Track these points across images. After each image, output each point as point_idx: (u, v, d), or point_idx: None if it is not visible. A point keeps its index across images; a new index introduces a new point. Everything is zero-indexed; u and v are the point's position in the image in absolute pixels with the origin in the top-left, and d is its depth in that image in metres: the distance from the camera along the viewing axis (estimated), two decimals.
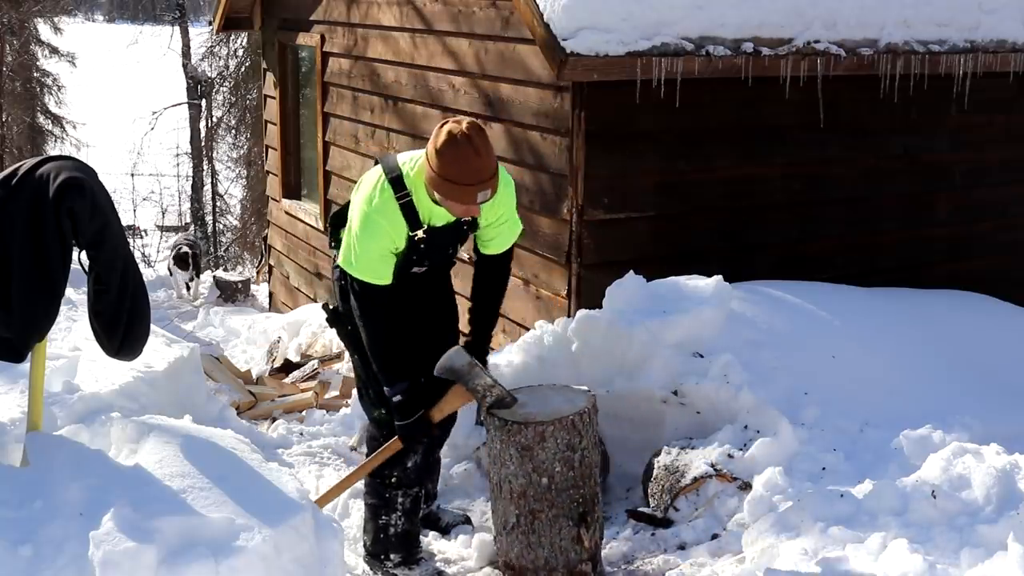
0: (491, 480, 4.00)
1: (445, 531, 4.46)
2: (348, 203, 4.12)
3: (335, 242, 4.12)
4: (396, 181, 3.84)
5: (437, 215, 3.88)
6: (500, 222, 4.04)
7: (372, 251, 3.81)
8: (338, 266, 4.06)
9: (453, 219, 3.90)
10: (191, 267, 13.03)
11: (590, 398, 3.99)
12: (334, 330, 4.19)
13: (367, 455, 4.25)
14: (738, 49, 5.58)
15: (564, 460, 3.81)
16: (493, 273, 4.16)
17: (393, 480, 4.12)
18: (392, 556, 4.14)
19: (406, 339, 3.97)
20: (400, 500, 4.14)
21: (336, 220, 4.14)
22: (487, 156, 3.70)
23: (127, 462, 3.25)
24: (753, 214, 6.24)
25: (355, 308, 3.86)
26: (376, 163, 4.01)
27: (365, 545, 4.21)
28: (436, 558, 4.29)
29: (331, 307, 4.12)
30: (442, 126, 3.72)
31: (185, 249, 13.14)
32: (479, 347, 4.10)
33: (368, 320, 3.85)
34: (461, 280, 6.88)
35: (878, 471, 4.21)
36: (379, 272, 3.82)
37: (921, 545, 3.56)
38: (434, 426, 3.94)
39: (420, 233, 3.85)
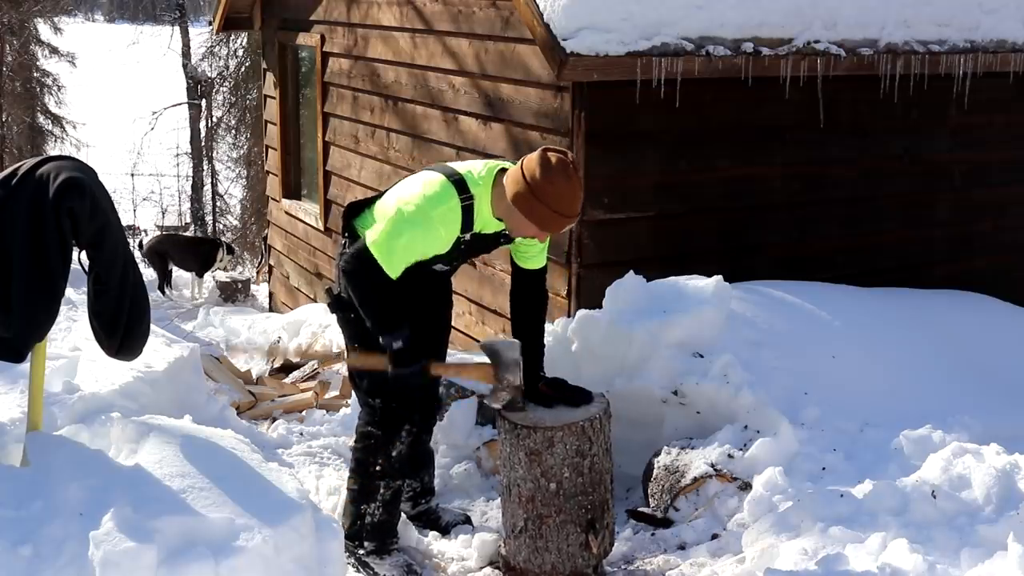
0: (501, 482, 4.00)
1: (445, 531, 4.46)
2: (368, 199, 4.14)
3: (347, 232, 4.11)
4: (460, 184, 3.83)
5: (490, 225, 3.90)
6: (533, 247, 4.05)
7: (408, 246, 3.79)
8: (344, 252, 4.05)
9: (497, 227, 3.92)
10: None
11: (602, 404, 3.97)
12: (334, 316, 4.18)
13: (355, 447, 4.19)
14: (738, 49, 5.58)
15: (573, 466, 3.80)
16: (532, 290, 4.13)
17: (377, 469, 4.10)
18: (366, 544, 4.14)
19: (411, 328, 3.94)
20: (382, 491, 4.13)
21: (351, 211, 4.14)
22: (582, 190, 3.77)
23: (127, 462, 3.25)
24: (753, 214, 6.24)
25: (350, 270, 3.83)
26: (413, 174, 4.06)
27: (343, 527, 4.19)
28: (435, 558, 4.29)
29: (335, 292, 4.11)
30: (547, 151, 3.72)
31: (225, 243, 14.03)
32: (533, 380, 4.03)
33: (361, 284, 3.83)
34: (460, 279, 6.87)
35: (878, 471, 4.21)
36: (396, 265, 3.80)
37: (921, 545, 3.56)
38: (428, 375, 3.88)
39: (468, 236, 3.88)
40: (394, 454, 4.10)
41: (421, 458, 4.48)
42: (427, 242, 3.81)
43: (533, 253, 4.06)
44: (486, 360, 3.92)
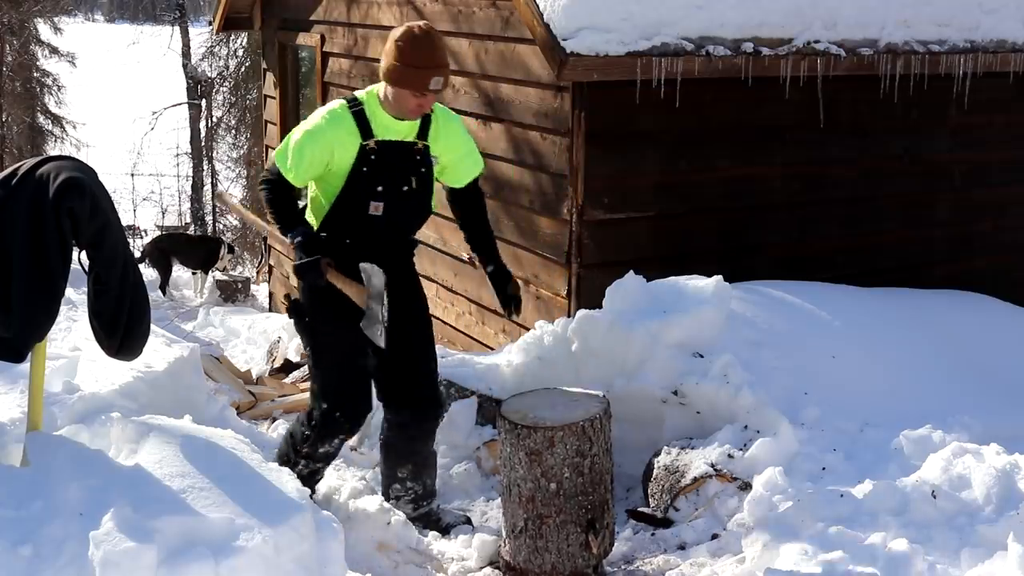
0: (501, 482, 4.01)
1: (445, 531, 4.45)
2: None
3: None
4: (349, 99, 4.10)
5: (389, 129, 4.06)
6: (459, 154, 4.25)
7: (301, 144, 4.01)
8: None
9: (403, 135, 4.08)
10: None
11: (603, 404, 3.98)
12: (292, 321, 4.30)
13: (298, 427, 4.30)
14: (738, 49, 5.58)
15: (573, 466, 3.80)
16: (468, 203, 4.36)
17: (303, 451, 4.26)
18: None
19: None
20: (300, 467, 4.24)
21: None
22: (443, 49, 4.03)
23: (127, 462, 3.24)
24: (753, 214, 6.24)
25: (261, 181, 4.11)
26: None
27: None
28: (435, 558, 4.29)
29: (292, 298, 4.24)
30: (399, 28, 4.03)
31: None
32: (497, 263, 4.32)
33: (267, 196, 4.08)
34: (460, 279, 6.88)
35: (878, 471, 4.21)
36: (292, 166, 4.03)
37: (921, 545, 3.56)
38: (323, 276, 3.99)
39: (371, 143, 4.02)
40: (320, 451, 4.26)
41: (424, 460, 4.47)
42: (317, 142, 4.02)
43: (461, 170, 4.27)
44: (365, 282, 4.01)
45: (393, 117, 4.05)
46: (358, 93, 4.13)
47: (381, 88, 4.06)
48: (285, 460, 4.25)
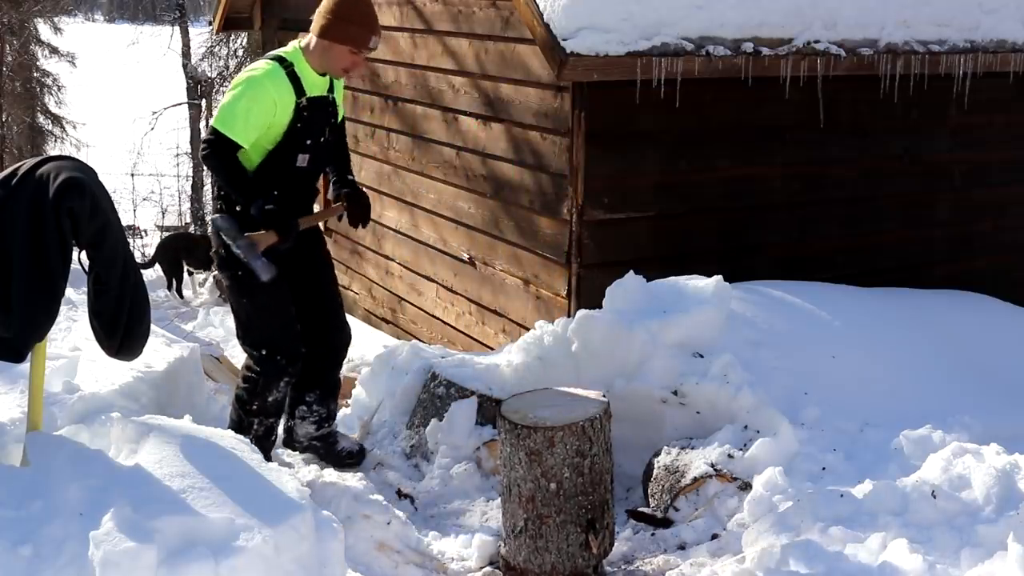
0: (501, 482, 4.02)
1: (339, 456, 4.77)
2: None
3: (221, 203, 4.43)
4: (279, 58, 4.31)
5: (315, 86, 4.35)
6: (341, 103, 4.61)
7: (248, 108, 4.18)
8: (218, 213, 4.41)
9: (322, 90, 4.37)
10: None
11: (603, 404, 3.99)
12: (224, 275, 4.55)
13: (242, 387, 4.55)
14: (738, 49, 5.58)
15: (573, 466, 3.81)
16: (340, 139, 4.70)
17: (254, 408, 4.52)
18: None
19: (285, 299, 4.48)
20: (255, 427, 4.53)
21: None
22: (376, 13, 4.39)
23: (127, 462, 3.25)
24: (753, 214, 6.24)
25: (206, 155, 4.20)
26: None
27: None
28: (435, 558, 4.29)
29: (222, 254, 4.44)
30: None
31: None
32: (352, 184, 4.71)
33: (221, 165, 4.19)
34: (460, 279, 6.88)
35: (878, 471, 4.21)
36: (240, 129, 4.16)
37: (921, 545, 3.56)
38: (295, 235, 4.30)
39: (304, 101, 4.29)
40: (270, 399, 4.50)
41: (332, 386, 4.83)
42: (262, 102, 4.19)
43: (341, 116, 4.58)
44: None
45: (316, 73, 4.34)
46: (282, 52, 4.34)
47: (303, 45, 4.33)
48: (238, 426, 4.47)
